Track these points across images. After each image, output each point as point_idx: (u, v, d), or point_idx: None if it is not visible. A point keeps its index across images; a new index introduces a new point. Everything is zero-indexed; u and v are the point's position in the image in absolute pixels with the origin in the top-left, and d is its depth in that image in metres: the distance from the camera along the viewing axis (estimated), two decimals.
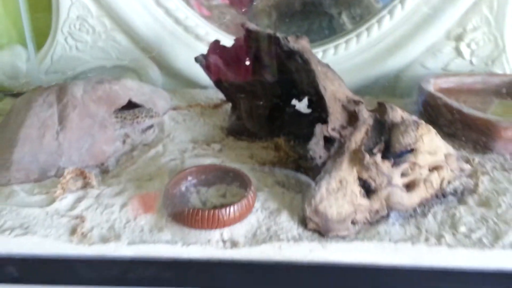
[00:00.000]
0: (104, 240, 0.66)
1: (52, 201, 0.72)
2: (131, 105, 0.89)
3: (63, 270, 0.67)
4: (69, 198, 0.73)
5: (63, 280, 0.68)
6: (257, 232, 0.67)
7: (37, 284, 0.69)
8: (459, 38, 1.08)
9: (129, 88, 0.90)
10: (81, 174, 0.76)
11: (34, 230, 0.67)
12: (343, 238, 0.65)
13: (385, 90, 1.11)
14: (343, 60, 1.10)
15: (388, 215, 0.69)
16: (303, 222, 0.67)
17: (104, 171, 0.81)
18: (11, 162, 0.76)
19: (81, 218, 0.69)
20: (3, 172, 0.76)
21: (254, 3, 1.15)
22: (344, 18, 1.14)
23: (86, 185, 0.76)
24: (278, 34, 0.84)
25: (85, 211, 0.71)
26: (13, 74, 1.11)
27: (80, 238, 0.66)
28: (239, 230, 0.67)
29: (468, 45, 1.08)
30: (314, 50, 1.08)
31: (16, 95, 1.06)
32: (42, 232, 0.67)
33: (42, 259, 0.67)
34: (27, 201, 0.73)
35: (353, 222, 0.67)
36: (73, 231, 0.67)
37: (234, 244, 0.65)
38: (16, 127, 0.79)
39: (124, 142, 0.87)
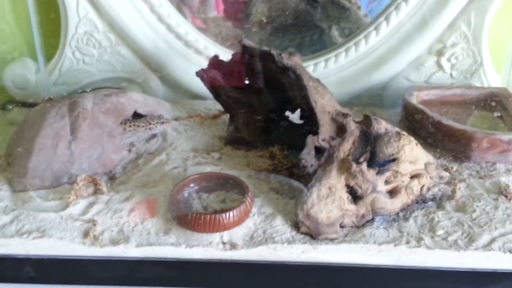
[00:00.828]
0: (114, 242, 0.69)
1: (66, 206, 0.75)
2: (136, 116, 0.91)
3: (77, 270, 0.71)
4: (82, 204, 0.76)
5: (77, 279, 0.72)
6: (254, 235, 0.70)
7: (52, 283, 0.72)
8: (440, 53, 1.09)
9: (135, 100, 0.92)
10: (93, 181, 0.79)
11: (50, 233, 0.70)
12: (332, 240, 0.69)
13: (373, 101, 1.12)
14: (333, 73, 1.12)
15: (373, 219, 0.72)
16: (296, 225, 0.71)
17: (112, 178, 0.84)
18: (27, 169, 0.79)
19: (93, 222, 0.72)
20: (20, 179, 0.79)
21: (249, 17, 1.15)
22: (334, 32, 1.15)
23: (96, 191, 0.78)
24: (273, 51, 0.85)
25: (97, 216, 0.74)
26: (23, 85, 1.12)
27: (92, 241, 0.69)
28: (238, 233, 0.70)
29: (449, 60, 1.09)
30: (306, 64, 1.10)
31: (27, 105, 1.07)
32: (57, 235, 0.70)
33: (57, 260, 0.70)
34: (43, 206, 0.76)
35: (341, 226, 0.70)
36: (85, 234, 0.70)
37: (233, 246, 0.68)
38: (31, 137, 0.81)
39: (130, 150, 0.90)
